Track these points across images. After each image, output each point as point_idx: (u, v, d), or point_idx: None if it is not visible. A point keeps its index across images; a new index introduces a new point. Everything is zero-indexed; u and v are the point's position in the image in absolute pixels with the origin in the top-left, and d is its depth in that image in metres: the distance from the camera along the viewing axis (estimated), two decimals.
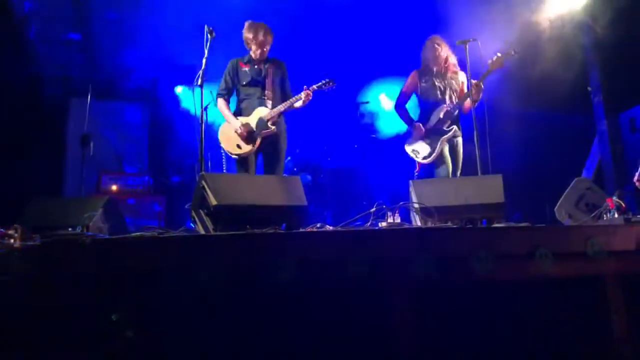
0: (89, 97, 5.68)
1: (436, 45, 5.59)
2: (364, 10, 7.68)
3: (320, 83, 5.25)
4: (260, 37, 5.22)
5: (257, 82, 5.32)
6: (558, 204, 4.18)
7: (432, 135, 5.50)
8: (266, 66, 5.36)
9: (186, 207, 3.67)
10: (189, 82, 6.41)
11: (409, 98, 5.83)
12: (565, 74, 6.42)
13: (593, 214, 3.75)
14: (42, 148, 6.31)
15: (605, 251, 2.94)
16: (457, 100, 5.49)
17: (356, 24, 7.80)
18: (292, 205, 3.44)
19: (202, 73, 4.78)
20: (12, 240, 2.67)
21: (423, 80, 5.65)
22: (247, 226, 3.07)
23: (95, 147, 5.90)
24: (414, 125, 5.57)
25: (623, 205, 3.53)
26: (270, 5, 6.70)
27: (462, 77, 5.63)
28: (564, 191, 4.26)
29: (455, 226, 3.36)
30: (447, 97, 5.56)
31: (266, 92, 5.29)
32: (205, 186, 3.23)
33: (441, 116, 5.48)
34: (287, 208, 3.40)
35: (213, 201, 3.16)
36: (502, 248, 2.87)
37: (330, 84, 5.26)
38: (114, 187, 6.98)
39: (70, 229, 3.14)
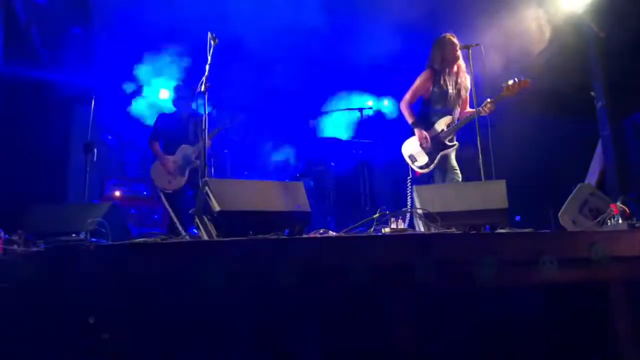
0: (92, 103, 5.71)
1: (455, 43, 5.29)
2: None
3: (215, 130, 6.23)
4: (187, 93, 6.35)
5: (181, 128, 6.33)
6: (562, 209, 4.16)
7: (434, 144, 5.28)
8: (188, 117, 6.36)
9: (190, 212, 3.67)
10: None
11: (417, 98, 5.50)
12: (568, 79, 6.41)
13: (597, 220, 3.73)
14: (46, 154, 6.33)
15: (610, 257, 2.93)
16: (462, 118, 5.26)
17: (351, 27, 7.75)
18: (295, 211, 3.44)
19: (206, 79, 4.80)
20: (15, 246, 2.68)
21: (436, 85, 5.34)
22: (250, 232, 3.07)
23: (98, 153, 5.93)
24: (420, 132, 5.30)
25: (627, 210, 3.52)
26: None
27: (468, 81, 5.35)
28: (567, 197, 4.24)
29: (458, 232, 3.36)
30: (454, 105, 5.34)
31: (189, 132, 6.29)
32: (209, 192, 3.22)
33: (445, 128, 5.26)
34: (290, 214, 3.40)
35: (216, 207, 3.15)
36: (505, 254, 2.87)
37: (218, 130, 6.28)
38: (117, 193, 7.00)
39: (73, 235, 3.14)
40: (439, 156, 5.26)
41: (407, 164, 5.53)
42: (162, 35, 7.09)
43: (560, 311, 3.02)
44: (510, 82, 4.98)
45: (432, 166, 5.26)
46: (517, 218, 6.53)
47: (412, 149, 5.41)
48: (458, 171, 5.30)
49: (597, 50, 6.61)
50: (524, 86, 4.99)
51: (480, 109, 4.99)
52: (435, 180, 5.34)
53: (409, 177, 5.46)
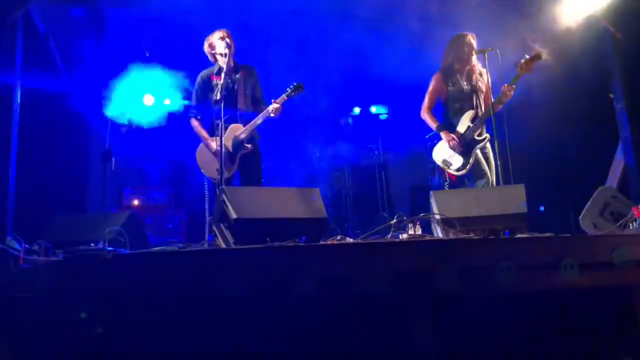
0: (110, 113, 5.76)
1: (472, 42, 5.24)
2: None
3: (288, 91, 4.99)
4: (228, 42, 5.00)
5: (229, 93, 5.06)
6: (582, 213, 4.12)
7: (464, 144, 5.16)
8: (237, 75, 5.21)
9: (207, 220, 3.68)
10: None
11: (435, 102, 5.43)
12: (586, 81, 6.34)
13: (618, 223, 3.68)
14: (65, 163, 6.38)
15: (632, 261, 2.88)
16: (485, 110, 5.14)
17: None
18: (312, 217, 3.43)
19: (222, 87, 4.79)
20: (35, 256, 2.69)
21: (450, 84, 5.29)
22: (267, 239, 3.07)
23: (116, 162, 5.96)
24: (446, 134, 5.21)
25: None
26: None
27: (485, 78, 5.20)
28: (588, 200, 4.19)
29: (477, 237, 3.32)
30: (474, 102, 5.23)
31: (239, 99, 5.14)
32: (226, 200, 3.23)
33: (470, 124, 5.15)
34: (307, 221, 3.39)
35: (233, 214, 3.16)
36: (525, 259, 2.83)
37: (299, 89, 5.01)
38: (136, 202, 7.04)
39: (92, 244, 3.16)
40: (473, 154, 5.13)
41: (426, 168, 5.47)
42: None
43: (582, 316, 2.97)
44: (523, 60, 4.96)
45: (468, 167, 5.11)
46: (542, 208, 6.41)
47: (445, 153, 5.26)
48: (488, 173, 5.15)
49: (615, 51, 6.53)
50: (536, 59, 4.97)
51: (501, 94, 4.96)
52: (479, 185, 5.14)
53: (446, 183, 5.29)
